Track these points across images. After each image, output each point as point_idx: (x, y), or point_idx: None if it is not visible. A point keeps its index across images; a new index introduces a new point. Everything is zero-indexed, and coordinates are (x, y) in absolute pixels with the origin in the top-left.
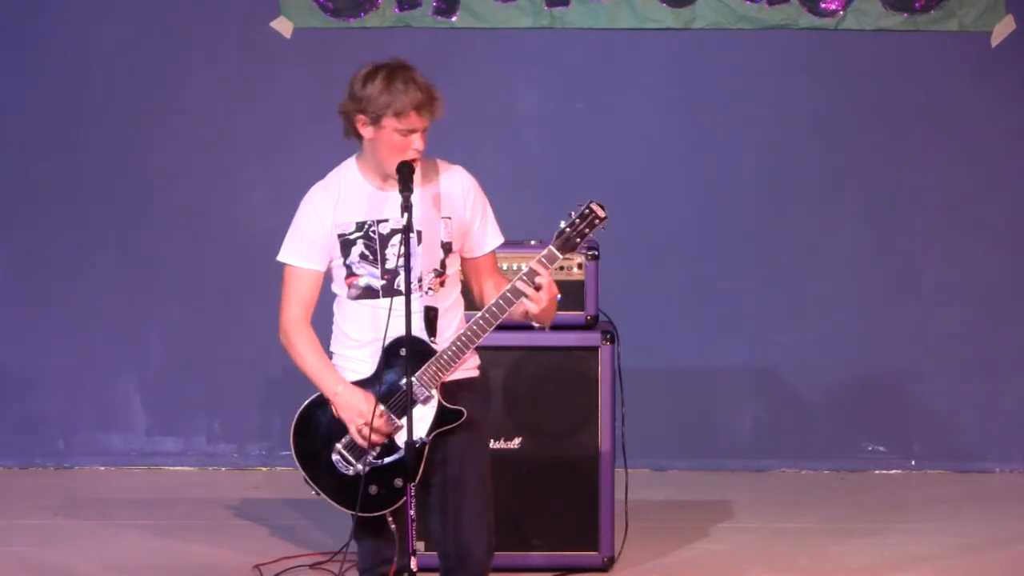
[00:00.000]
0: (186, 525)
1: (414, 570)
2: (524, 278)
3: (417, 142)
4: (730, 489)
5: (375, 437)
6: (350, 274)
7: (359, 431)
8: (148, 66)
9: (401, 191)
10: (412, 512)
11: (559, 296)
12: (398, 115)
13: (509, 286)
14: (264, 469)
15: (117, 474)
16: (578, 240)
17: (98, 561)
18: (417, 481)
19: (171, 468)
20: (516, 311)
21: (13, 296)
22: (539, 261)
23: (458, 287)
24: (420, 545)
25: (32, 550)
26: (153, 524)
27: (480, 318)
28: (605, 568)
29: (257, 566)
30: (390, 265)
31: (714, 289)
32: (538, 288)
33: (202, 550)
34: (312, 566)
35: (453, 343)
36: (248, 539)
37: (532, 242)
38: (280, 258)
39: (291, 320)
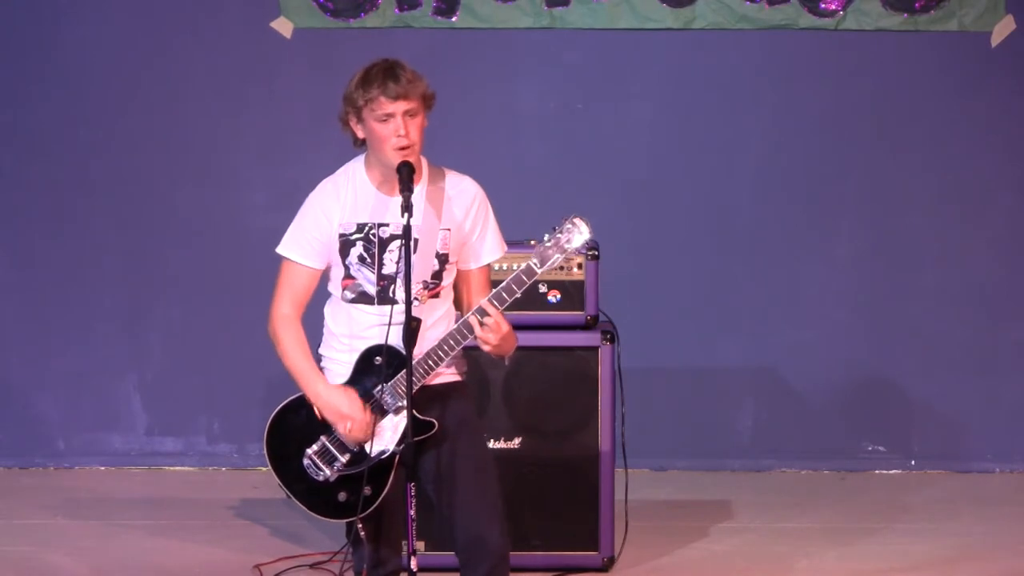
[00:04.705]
0: (186, 525)
1: (414, 570)
2: (476, 314)
3: (398, 128)
4: (730, 489)
5: (362, 437)
6: (347, 276)
7: (346, 432)
8: (148, 66)
9: (401, 191)
10: (412, 512)
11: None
12: (369, 103)
13: (463, 320)
14: (264, 469)
15: (117, 474)
16: (559, 256)
17: (98, 561)
18: (390, 485)
19: (171, 468)
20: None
21: (13, 296)
22: (493, 298)
23: (450, 299)
24: (420, 545)
25: (32, 550)
26: (153, 524)
27: (439, 348)
28: (605, 568)
29: (257, 566)
30: (386, 271)
31: (714, 289)
32: (485, 327)
33: (202, 550)
34: (312, 566)
35: (420, 363)
36: (248, 539)
37: (532, 242)
38: (280, 250)
39: (281, 315)
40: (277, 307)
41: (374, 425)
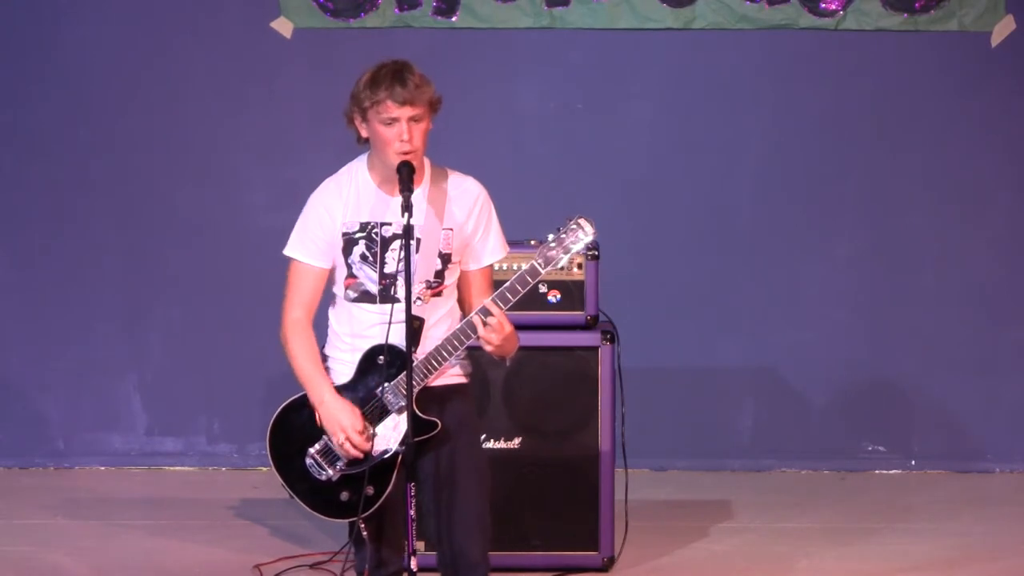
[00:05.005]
0: (186, 525)
1: (414, 570)
2: (479, 314)
3: (402, 132)
4: (730, 489)
5: (355, 452)
6: (350, 275)
7: (340, 444)
8: (148, 66)
9: (401, 191)
10: (412, 512)
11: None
12: (376, 105)
13: (466, 320)
14: (264, 469)
15: (117, 474)
16: (563, 256)
17: (98, 561)
18: (391, 485)
19: (171, 468)
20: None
21: (13, 296)
22: (496, 298)
23: (453, 299)
24: (420, 545)
25: (32, 550)
26: (153, 524)
27: (443, 348)
28: (605, 568)
29: (257, 566)
30: (388, 269)
31: (714, 289)
32: (488, 327)
33: (202, 550)
34: (312, 566)
35: (423, 362)
36: (248, 539)
37: (532, 242)
38: (286, 252)
39: (292, 320)
40: (288, 312)
41: (370, 441)
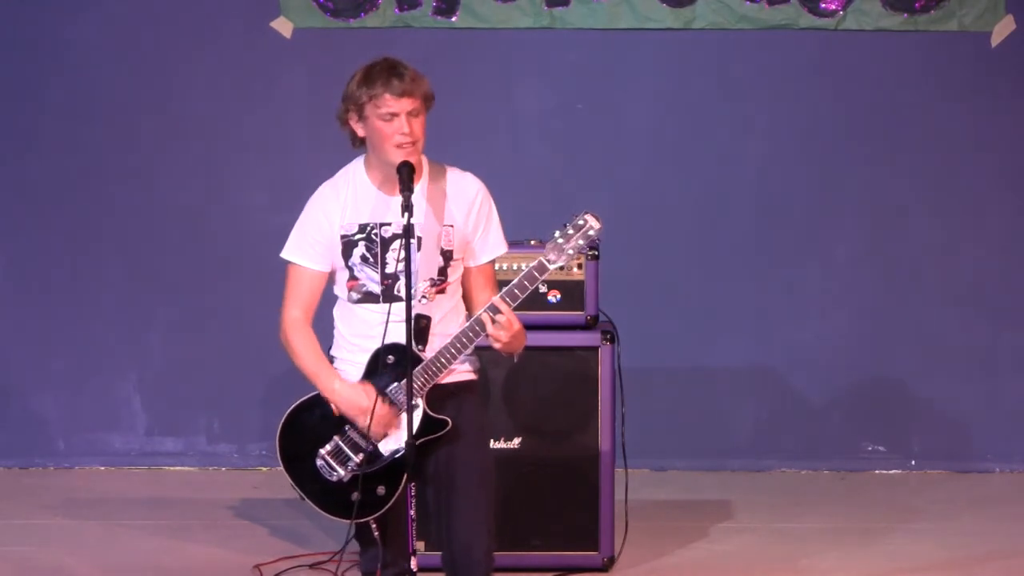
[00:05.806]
0: (186, 525)
1: (414, 570)
2: (488, 312)
3: (402, 126)
4: (730, 489)
5: (380, 429)
6: (352, 277)
7: (365, 427)
8: (148, 66)
9: (401, 191)
10: (412, 512)
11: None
12: (373, 100)
13: (475, 317)
14: (264, 469)
15: (117, 474)
16: (571, 251)
17: (98, 561)
18: (403, 485)
19: (171, 468)
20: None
21: (13, 296)
22: (505, 295)
23: (458, 295)
24: (420, 545)
25: (32, 550)
26: (153, 524)
27: (451, 346)
28: (605, 568)
29: (257, 566)
30: (390, 270)
31: (714, 289)
32: (497, 324)
33: (202, 550)
34: (312, 566)
35: (432, 361)
36: (248, 539)
37: (532, 242)
38: (284, 255)
39: (291, 320)
40: (287, 312)
41: (395, 417)
